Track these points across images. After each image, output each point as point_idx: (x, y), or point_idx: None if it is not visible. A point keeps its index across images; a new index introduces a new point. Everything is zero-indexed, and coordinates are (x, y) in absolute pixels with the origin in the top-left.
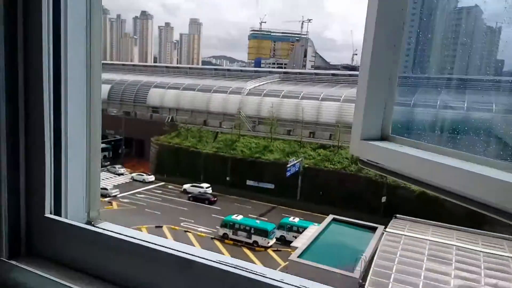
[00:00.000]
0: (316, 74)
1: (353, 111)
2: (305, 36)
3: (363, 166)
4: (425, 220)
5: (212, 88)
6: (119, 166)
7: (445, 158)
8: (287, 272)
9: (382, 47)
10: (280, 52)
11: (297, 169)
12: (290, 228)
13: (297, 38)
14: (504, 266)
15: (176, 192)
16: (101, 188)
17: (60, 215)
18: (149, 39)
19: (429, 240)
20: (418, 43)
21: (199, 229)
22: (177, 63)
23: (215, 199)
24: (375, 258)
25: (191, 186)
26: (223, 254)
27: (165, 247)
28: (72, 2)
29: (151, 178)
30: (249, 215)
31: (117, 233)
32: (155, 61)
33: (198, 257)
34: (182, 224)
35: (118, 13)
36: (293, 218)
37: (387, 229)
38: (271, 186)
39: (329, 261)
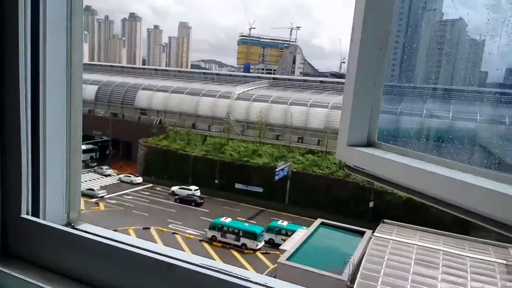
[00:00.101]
0: (304, 80)
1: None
2: (294, 43)
3: (350, 172)
4: (413, 225)
5: (201, 92)
6: (106, 167)
7: (430, 166)
8: (275, 275)
9: (368, 50)
10: (269, 58)
11: (285, 173)
12: (278, 231)
13: (286, 45)
14: (489, 271)
15: (164, 194)
16: (88, 189)
17: (38, 216)
18: (137, 41)
19: (416, 244)
20: (404, 53)
21: (187, 231)
22: (166, 66)
23: (202, 201)
24: (363, 261)
25: (180, 188)
26: (212, 256)
27: (147, 250)
28: (52, 1)
29: (139, 179)
30: (238, 218)
31: (97, 235)
32: (143, 63)
33: (179, 260)
34: (170, 226)
35: (106, 14)
36: (282, 222)
37: (375, 234)
38: (259, 189)
39: (317, 264)
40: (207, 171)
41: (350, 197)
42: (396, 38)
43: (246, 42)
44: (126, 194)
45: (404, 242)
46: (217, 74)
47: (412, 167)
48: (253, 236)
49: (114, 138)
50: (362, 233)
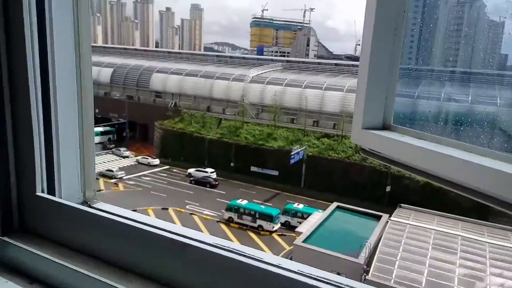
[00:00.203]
0: (319, 63)
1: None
2: (308, 25)
3: (365, 155)
4: (430, 210)
5: (215, 75)
6: (124, 149)
7: (448, 149)
8: (291, 257)
9: (383, 30)
10: (282, 41)
11: (301, 157)
12: (294, 214)
13: (299, 27)
14: (509, 257)
15: (181, 176)
16: (107, 170)
17: (54, 194)
18: (150, 24)
19: (434, 229)
20: (421, 34)
21: (205, 212)
22: (179, 49)
23: (217, 183)
24: (379, 245)
25: (196, 170)
26: (229, 237)
27: (161, 229)
28: None
29: (156, 161)
30: (254, 200)
31: (113, 213)
32: (157, 46)
33: (194, 239)
34: (187, 207)
35: None
36: (298, 205)
37: (391, 218)
38: (275, 173)
39: (333, 246)
40: (222, 154)
41: (367, 181)
42: (412, 20)
43: (259, 24)
44: (144, 175)
45: (421, 226)
46: (231, 57)
47: (429, 150)
48: (269, 218)
49: (131, 120)
50: (378, 217)
